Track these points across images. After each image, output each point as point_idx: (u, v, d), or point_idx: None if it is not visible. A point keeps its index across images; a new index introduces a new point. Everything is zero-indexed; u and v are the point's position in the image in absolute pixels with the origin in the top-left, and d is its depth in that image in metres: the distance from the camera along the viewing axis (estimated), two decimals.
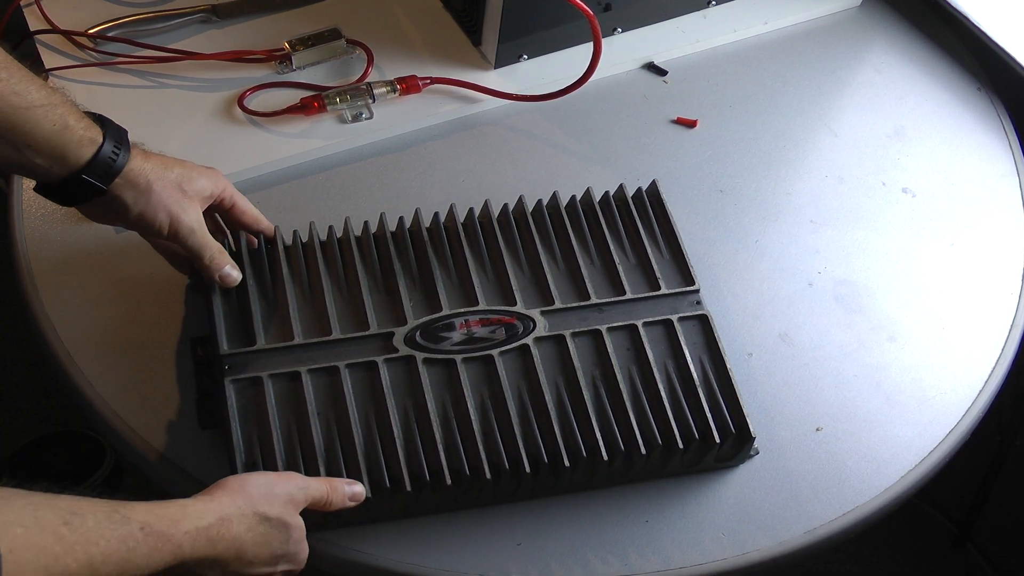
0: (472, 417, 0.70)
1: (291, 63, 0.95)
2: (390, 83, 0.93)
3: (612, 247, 0.80)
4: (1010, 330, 0.86)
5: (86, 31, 0.95)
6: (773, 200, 0.93)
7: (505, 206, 0.82)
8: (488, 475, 0.69)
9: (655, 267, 0.79)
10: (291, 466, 0.68)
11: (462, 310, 0.75)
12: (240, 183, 0.88)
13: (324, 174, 0.91)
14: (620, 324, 0.76)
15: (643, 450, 0.70)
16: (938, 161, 0.97)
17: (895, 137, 0.99)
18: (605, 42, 0.92)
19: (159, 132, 0.90)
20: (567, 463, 0.69)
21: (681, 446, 0.71)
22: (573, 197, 0.83)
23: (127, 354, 0.79)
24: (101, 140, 0.68)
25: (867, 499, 0.76)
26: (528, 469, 0.69)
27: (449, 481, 0.68)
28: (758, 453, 0.77)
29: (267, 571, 0.63)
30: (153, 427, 0.75)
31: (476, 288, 0.77)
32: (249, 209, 0.78)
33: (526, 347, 0.74)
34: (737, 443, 0.74)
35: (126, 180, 0.69)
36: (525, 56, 0.98)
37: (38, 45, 0.96)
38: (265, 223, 0.79)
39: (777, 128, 0.98)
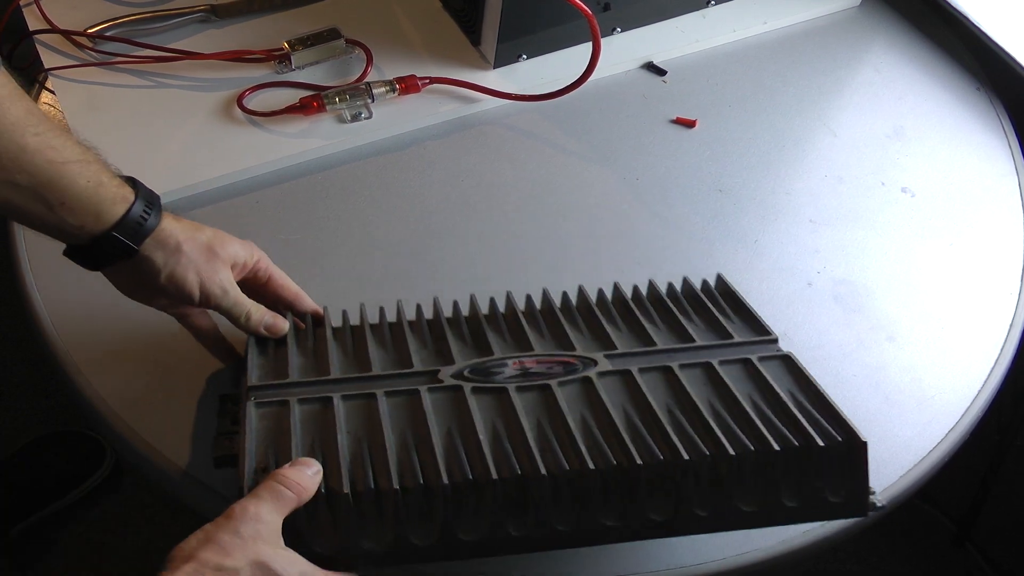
0: (528, 435, 0.61)
1: (290, 63, 0.95)
2: (389, 83, 0.93)
3: (676, 311, 0.74)
4: (1009, 330, 0.86)
5: (85, 31, 0.95)
6: (772, 200, 0.93)
7: (565, 295, 0.76)
8: (547, 480, 0.59)
9: (725, 324, 0.72)
10: None
11: (515, 354, 0.68)
12: (240, 183, 0.89)
13: (323, 174, 0.91)
14: (692, 362, 0.68)
15: (731, 450, 0.60)
16: (937, 161, 0.97)
17: (894, 137, 0.99)
18: (604, 42, 0.92)
19: (159, 132, 0.90)
20: (643, 474, 0.59)
21: (777, 447, 0.61)
22: (636, 288, 0.77)
23: (127, 354, 0.79)
24: (133, 199, 0.66)
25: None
26: (598, 482, 0.59)
27: (495, 494, 0.59)
28: (884, 508, 0.64)
29: None
30: (153, 427, 0.75)
31: (531, 339, 0.70)
32: (289, 284, 0.74)
33: (588, 379, 0.66)
34: (847, 458, 0.62)
35: (156, 241, 0.66)
36: (524, 56, 0.98)
37: (37, 45, 0.96)
38: (309, 302, 0.74)
39: (776, 128, 0.98)
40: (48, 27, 0.96)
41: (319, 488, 0.59)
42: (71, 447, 1.41)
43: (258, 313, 0.71)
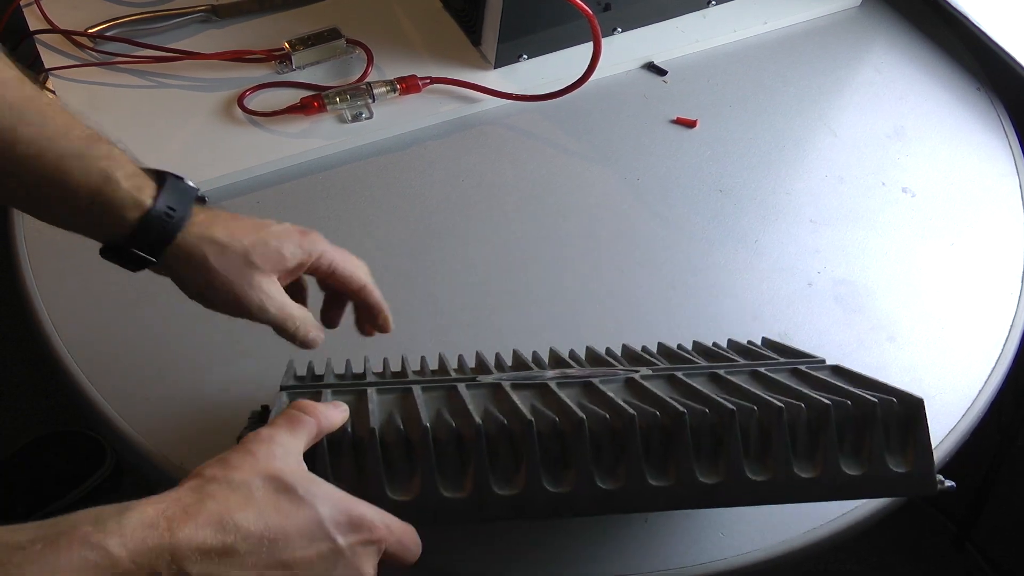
0: (568, 402, 0.58)
1: (291, 63, 0.95)
2: (390, 83, 0.93)
3: (718, 350, 0.73)
4: (1010, 330, 0.86)
5: (86, 31, 0.95)
6: (773, 200, 0.93)
7: (608, 349, 0.74)
8: (585, 431, 0.55)
9: (766, 354, 0.71)
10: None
11: (556, 370, 0.66)
12: (240, 183, 0.89)
13: (324, 174, 0.91)
14: (738, 368, 0.66)
15: (778, 403, 0.57)
16: (938, 161, 0.97)
17: (895, 137, 0.99)
18: (605, 42, 0.92)
19: (159, 132, 0.90)
20: (687, 427, 0.56)
21: (827, 402, 0.58)
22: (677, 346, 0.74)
23: (127, 354, 0.79)
24: (150, 203, 0.58)
25: (867, 499, 0.76)
26: (639, 435, 0.56)
27: (531, 446, 0.55)
28: (953, 487, 0.61)
29: (328, 550, 0.50)
30: (153, 427, 0.75)
31: (571, 361, 0.70)
32: (353, 277, 0.65)
33: (632, 379, 0.64)
34: (905, 420, 0.59)
35: (181, 252, 0.59)
36: (525, 56, 0.98)
37: (38, 45, 0.96)
38: (374, 296, 0.67)
39: (777, 128, 0.98)
40: (49, 27, 0.96)
41: (346, 431, 0.55)
42: (71, 447, 1.41)
43: (303, 325, 0.64)
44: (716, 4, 1.05)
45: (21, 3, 0.97)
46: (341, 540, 0.50)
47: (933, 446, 0.79)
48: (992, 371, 0.83)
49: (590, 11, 0.88)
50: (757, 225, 0.91)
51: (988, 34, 1.03)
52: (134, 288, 0.82)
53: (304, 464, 0.52)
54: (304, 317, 0.64)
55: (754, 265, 0.88)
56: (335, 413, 0.56)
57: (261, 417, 0.62)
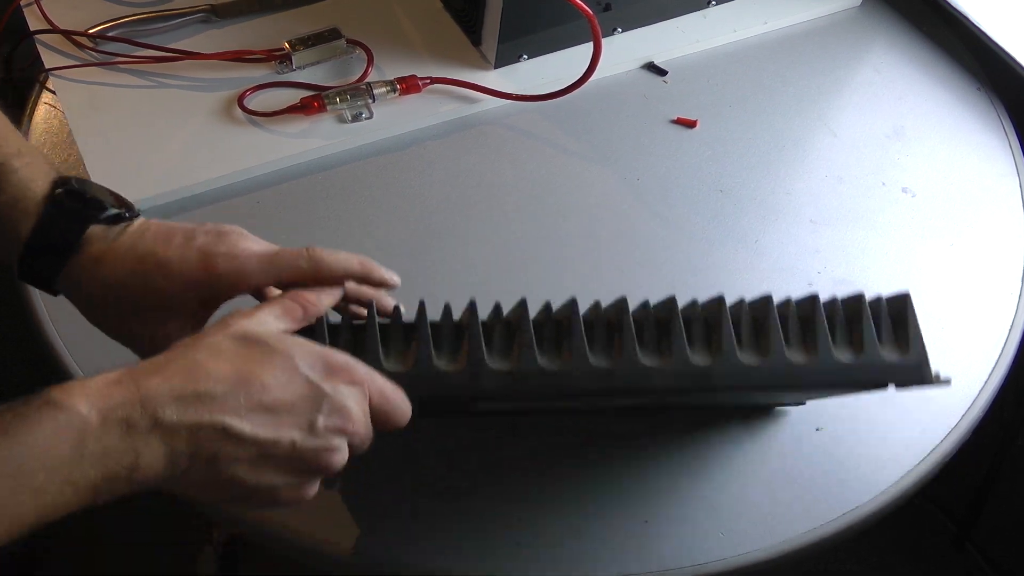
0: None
1: (291, 63, 0.95)
2: (390, 83, 0.93)
3: None
4: (1010, 330, 0.86)
5: (86, 31, 0.95)
6: (773, 200, 0.93)
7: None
8: (577, 302, 0.57)
9: None
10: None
11: None
12: (240, 183, 0.89)
13: (324, 174, 0.91)
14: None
15: (768, 291, 0.60)
16: (938, 161, 0.97)
17: (895, 137, 0.99)
18: (605, 42, 0.92)
19: (159, 132, 0.90)
20: (678, 305, 0.59)
21: (816, 293, 0.60)
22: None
23: (128, 354, 0.79)
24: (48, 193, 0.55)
25: (867, 499, 0.76)
26: (630, 317, 0.58)
27: (524, 326, 0.57)
28: (949, 382, 0.62)
29: (306, 392, 0.48)
30: None
31: None
32: (350, 262, 0.59)
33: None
34: (893, 309, 0.62)
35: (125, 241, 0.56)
36: (525, 56, 0.98)
37: (38, 45, 0.96)
38: (379, 271, 0.60)
39: (777, 128, 0.98)
40: (49, 27, 0.96)
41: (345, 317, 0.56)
42: None
43: (368, 262, 0.59)
44: (716, 4, 1.05)
45: (21, 3, 0.97)
46: (319, 380, 0.48)
47: (933, 446, 0.79)
48: (992, 371, 0.83)
49: (590, 11, 0.88)
50: (757, 225, 0.91)
51: (988, 34, 1.03)
52: None
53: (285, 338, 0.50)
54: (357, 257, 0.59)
55: (754, 265, 0.88)
56: (325, 296, 0.54)
57: None
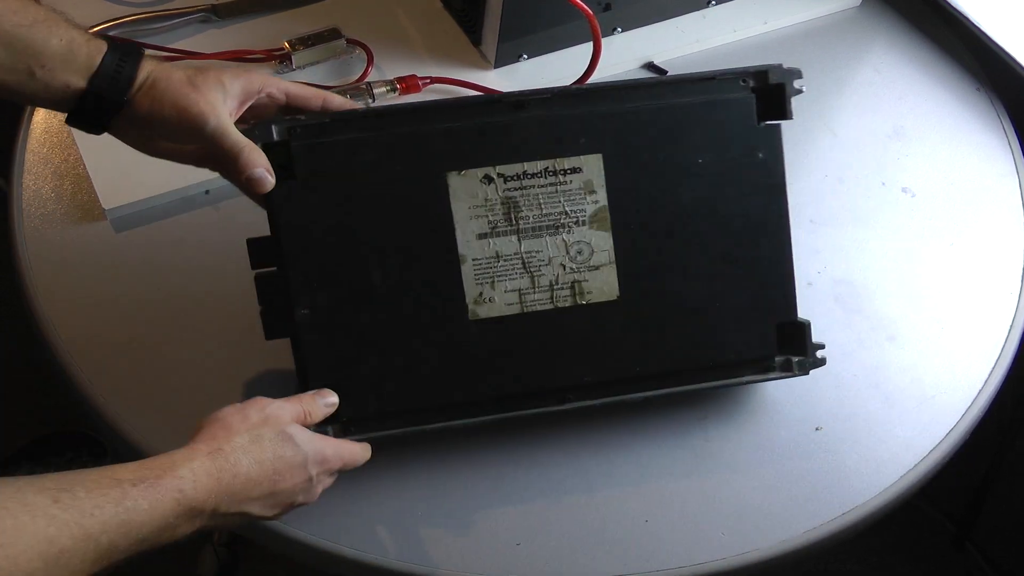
0: None
1: (291, 63, 0.95)
2: (390, 83, 0.93)
3: None
4: (1010, 330, 0.86)
5: (86, 31, 0.95)
6: None
7: None
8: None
9: None
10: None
11: None
12: None
13: None
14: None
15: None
16: (938, 161, 0.97)
17: (894, 137, 0.99)
18: (605, 42, 0.92)
19: None
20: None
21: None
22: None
23: (127, 354, 0.79)
24: (105, 46, 0.65)
25: (867, 499, 0.76)
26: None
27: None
28: (824, 362, 0.74)
29: (304, 481, 0.63)
30: (153, 427, 0.75)
31: None
32: (311, 94, 0.70)
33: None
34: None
35: (141, 87, 0.66)
36: (525, 56, 0.98)
37: None
38: (338, 100, 0.71)
39: None
40: None
41: None
42: (71, 447, 1.41)
43: (252, 159, 0.66)
44: (716, 4, 1.05)
45: None
46: (313, 472, 0.64)
47: (932, 446, 0.79)
48: (992, 371, 0.83)
49: (590, 11, 0.88)
50: None
51: (988, 34, 1.03)
52: (134, 289, 0.82)
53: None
54: (254, 154, 0.67)
55: None
56: (323, 409, 0.70)
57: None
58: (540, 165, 0.70)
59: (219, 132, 0.65)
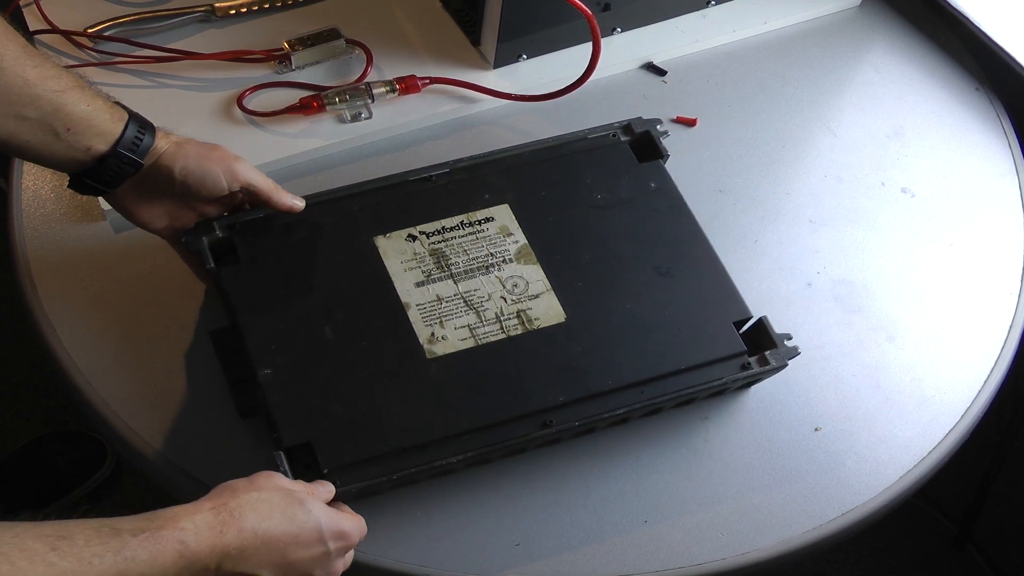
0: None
1: (290, 63, 0.95)
2: (389, 83, 0.93)
3: None
4: (1009, 330, 0.86)
5: (85, 31, 0.95)
6: (772, 200, 0.93)
7: None
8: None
9: None
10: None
11: None
12: None
13: (323, 174, 0.91)
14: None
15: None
16: (937, 161, 0.97)
17: (894, 137, 0.99)
18: (604, 42, 0.92)
19: None
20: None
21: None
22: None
23: (127, 354, 0.79)
24: (127, 117, 0.70)
25: (866, 499, 0.76)
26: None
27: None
28: (797, 351, 0.76)
29: (322, 554, 0.61)
30: (153, 427, 0.75)
31: None
32: (264, 181, 0.77)
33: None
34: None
35: (158, 148, 0.71)
36: (524, 56, 0.98)
37: (37, 45, 0.96)
38: (285, 197, 0.77)
39: (776, 128, 0.98)
40: (48, 27, 0.96)
41: None
42: (71, 447, 1.41)
43: (281, 191, 0.76)
44: (716, 4, 1.05)
45: (21, 3, 0.97)
46: (331, 546, 0.62)
47: (932, 446, 0.80)
48: (992, 371, 0.83)
49: (589, 11, 0.88)
50: (757, 225, 0.91)
51: (988, 34, 1.03)
52: (134, 288, 0.82)
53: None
54: (275, 186, 0.76)
55: (754, 265, 0.88)
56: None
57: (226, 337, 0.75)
58: (455, 220, 0.79)
59: (251, 173, 0.75)
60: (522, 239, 0.78)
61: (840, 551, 1.39)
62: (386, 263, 0.76)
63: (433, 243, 0.78)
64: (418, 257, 0.77)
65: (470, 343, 0.73)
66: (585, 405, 0.71)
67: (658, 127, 0.85)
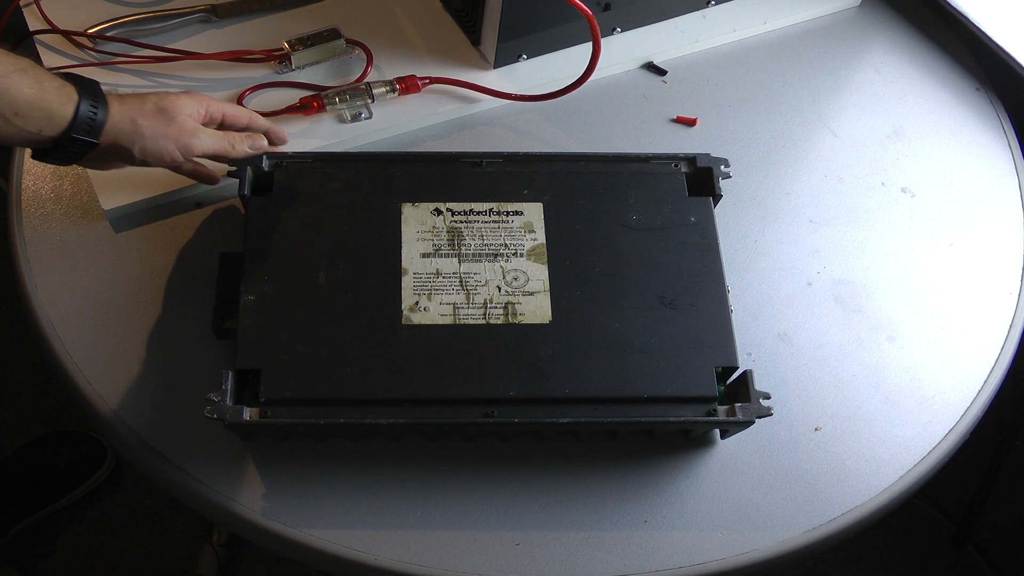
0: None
1: (290, 63, 0.95)
2: (389, 83, 0.93)
3: None
4: (1009, 330, 0.86)
5: (85, 31, 0.95)
6: (772, 200, 0.93)
7: None
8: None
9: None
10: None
11: None
12: None
13: None
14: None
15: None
16: (937, 161, 0.97)
17: (894, 137, 0.99)
18: (604, 42, 0.92)
19: None
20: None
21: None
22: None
23: (127, 354, 0.79)
24: (77, 97, 0.71)
25: (866, 499, 0.76)
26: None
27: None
28: (770, 411, 0.72)
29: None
30: (153, 427, 0.75)
31: None
32: (240, 112, 0.82)
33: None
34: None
35: (114, 128, 0.73)
36: (524, 56, 0.98)
37: (37, 45, 0.96)
38: (262, 121, 0.83)
39: (776, 128, 0.98)
40: (48, 27, 0.96)
41: None
42: (71, 447, 1.41)
43: (240, 141, 0.80)
44: (716, 4, 1.05)
45: (21, 3, 0.97)
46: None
47: (932, 446, 0.80)
48: (991, 371, 0.84)
49: (590, 11, 0.88)
50: (756, 225, 0.91)
51: (988, 34, 1.03)
52: (134, 289, 0.82)
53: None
54: (235, 135, 0.80)
55: (753, 265, 0.88)
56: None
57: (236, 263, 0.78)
58: (486, 206, 0.80)
59: (208, 141, 0.78)
60: (541, 238, 0.78)
61: (841, 551, 1.39)
62: (403, 229, 0.78)
63: (455, 221, 0.79)
64: (435, 231, 0.78)
65: (448, 320, 0.74)
66: (533, 407, 0.71)
67: (723, 167, 0.82)
